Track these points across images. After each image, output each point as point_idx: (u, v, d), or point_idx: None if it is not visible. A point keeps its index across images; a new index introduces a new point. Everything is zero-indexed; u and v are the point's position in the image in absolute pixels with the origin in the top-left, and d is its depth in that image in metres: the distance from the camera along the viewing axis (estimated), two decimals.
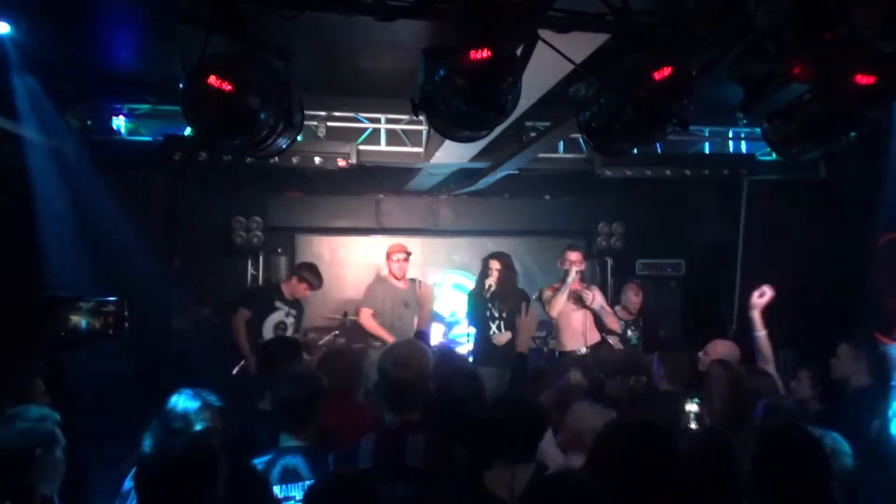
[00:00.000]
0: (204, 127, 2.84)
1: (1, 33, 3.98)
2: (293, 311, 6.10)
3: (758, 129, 3.68)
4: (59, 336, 1.93)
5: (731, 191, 6.66)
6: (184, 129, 5.37)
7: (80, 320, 1.95)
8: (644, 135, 3.13)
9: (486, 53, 2.62)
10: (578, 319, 5.58)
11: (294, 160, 5.52)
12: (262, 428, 2.82)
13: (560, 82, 3.68)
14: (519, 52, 2.92)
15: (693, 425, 3.10)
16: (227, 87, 2.62)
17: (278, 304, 6.05)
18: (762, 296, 3.95)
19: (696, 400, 3.16)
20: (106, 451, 3.05)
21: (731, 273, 6.32)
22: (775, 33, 2.94)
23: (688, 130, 4.44)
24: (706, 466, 2.33)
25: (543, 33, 2.85)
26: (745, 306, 4.08)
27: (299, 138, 3.27)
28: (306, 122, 3.81)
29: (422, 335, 3.72)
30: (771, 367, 3.90)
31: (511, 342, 5.34)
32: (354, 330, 6.44)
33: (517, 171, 6.55)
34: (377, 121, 5.88)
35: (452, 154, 5.59)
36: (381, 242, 7.45)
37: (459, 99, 2.75)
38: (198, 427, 2.73)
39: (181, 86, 2.69)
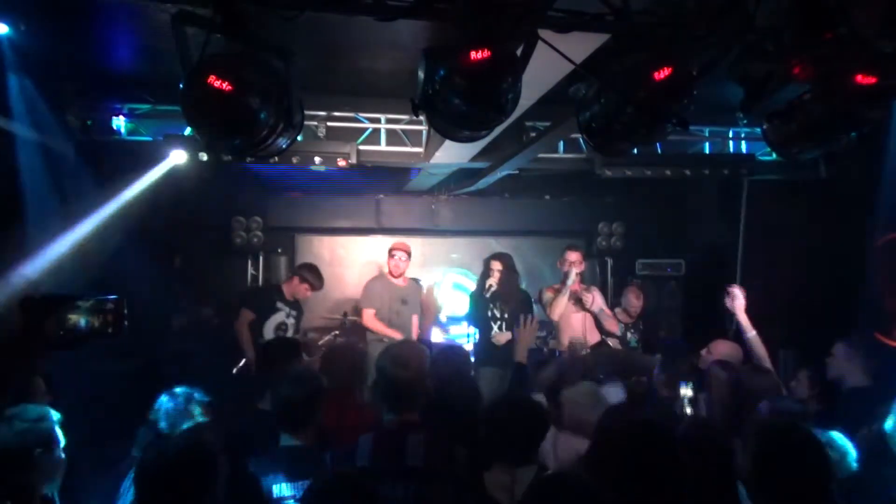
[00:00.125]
0: (204, 127, 2.84)
1: None
2: (294, 312, 6.10)
3: (758, 129, 3.68)
4: (59, 335, 1.93)
5: (731, 191, 6.66)
6: (184, 129, 5.37)
7: (79, 319, 1.94)
8: (644, 135, 3.12)
9: (486, 53, 2.62)
10: (578, 320, 5.58)
11: (294, 160, 5.51)
12: (262, 428, 2.82)
13: (560, 82, 3.68)
14: (519, 52, 2.92)
15: (688, 410, 3.10)
16: (227, 87, 2.61)
17: (279, 305, 6.04)
18: (734, 299, 3.93)
19: (691, 384, 3.16)
20: (106, 451, 3.06)
21: (731, 273, 6.31)
22: (775, 33, 2.94)
23: (688, 130, 4.44)
24: (706, 467, 2.32)
25: (543, 33, 2.85)
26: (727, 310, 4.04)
27: (299, 138, 3.27)
28: (306, 122, 3.81)
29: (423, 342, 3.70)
30: (768, 366, 3.90)
31: (512, 342, 5.34)
32: (354, 330, 6.44)
33: (517, 171, 6.55)
34: (377, 121, 5.87)
35: (452, 154, 5.59)
36: (381, 242, 7.46)
37: (459, 99, 2.75)
38: (185, 426, 2.74)
39: (181, 86, 2.69)
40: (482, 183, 6.79)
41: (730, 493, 2.34)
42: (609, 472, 2.06)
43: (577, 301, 5.58)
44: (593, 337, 5.61)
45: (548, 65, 3.12)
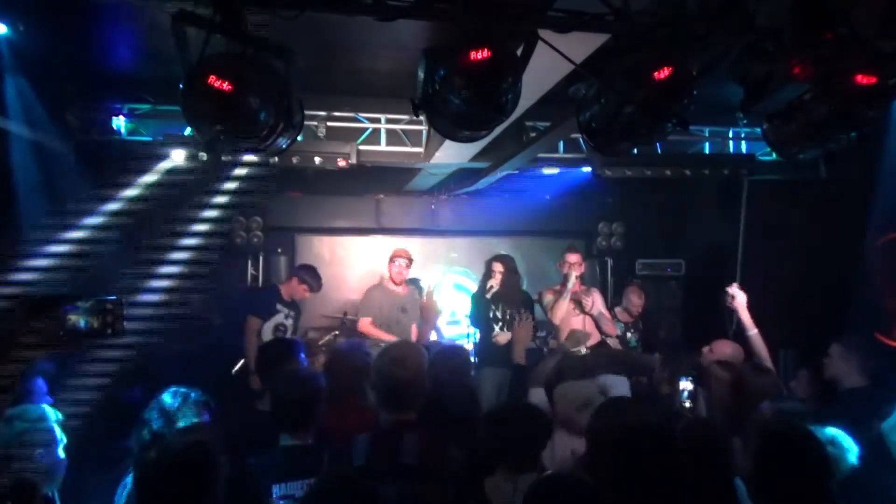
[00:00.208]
0: (204, 127, 2.84)
1: None
2: (292, 313, 6.11)
3: (758, 129, 3.68)
4: (58, 335, 1.93)
5: (731, 191, 6.66)
6: (184, 129, 5.36)
7: (78, 319, 1.94)
8: (644, 135, 3.13)
9: (486, 53, 2.62)
10: (578, 321, 5.58)
11: (294, 160, 5.52)
12: (262, 428, 2.82)
13: (560, 82, 3.68)
14: (519, 52, 2.92)
15: (687, 404, 3.10)
16: (227, 87, 2.62)
17: (279, 306, 6.04)
18: (734, 297, 3.93)
19: (690, 378, 3.16)
20: (106, 451, 3.06)
21: (731, 273, 6.31)
22: (775, 33, 2.94)
23: (688, 130, 4.44)
24: (705, 466, 2.32)
25: (543, 33, 2.85)
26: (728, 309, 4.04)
27: (299, 138, 3.27)
28: (306, 122, 3.81)
29: None
30: (769, 365, 3.89)
31: (512, 343, 5.37)
32: (354, 330, 6.43)
33: (517, 171, 6.55)
34: (377, 121, 5.87)
35: (452, 154, 5.59)
36: (381, 242, 7.46)
37: (459, 99, 2.76)
38: (180, 424, 2.74)
39: (181, 86, 2.69)
40: (482, 183, 6.79)
41: (729, 493, 2.34)
42: (608, 472, 2.06)
43: (578, 304, 5.59)
44: (593, 337, 5.61)
45: (548, 65, 3.12)
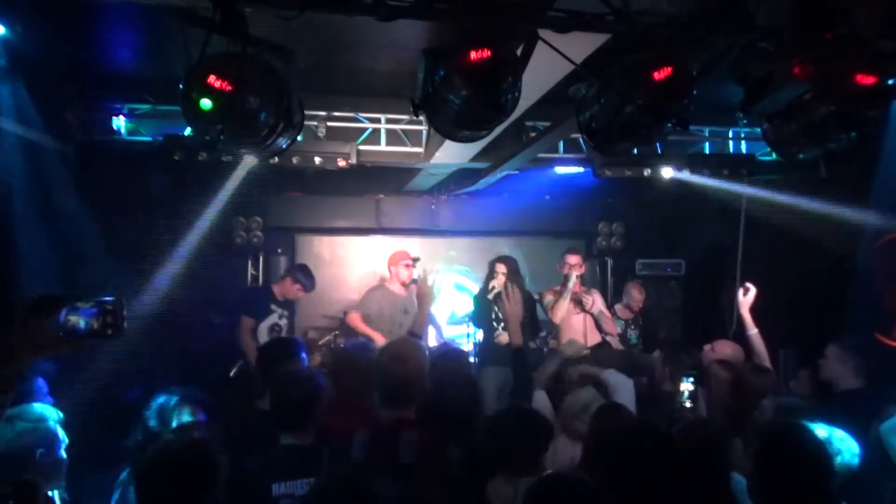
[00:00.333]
0: (203, 127, 2.84)
1: None
2: (286, 313, 6.14)
3: (758, 129, 3.68)
4: (58, 335, 1.92)
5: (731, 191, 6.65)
6: (184, 129, 5.36)
7: (78, 319, 1.93)
8: (644, 135, 3.13)
9: (486, 53, 2.62)
10: (579, 321, 5.60)
11: (294, 160, 5.51)
12: (262, 428, 2.82)
13: (560, 82, 3.68)
14: (519, 52, 2.92)
15: (688, 404, 3.11)
16: (226, 86, 2.62)
17: (273, 307, 6.06)
18: (746, 293, 3.95)
19: (691, 378, 3.16)
20: (106, 451, 3.06)
21: (731, 273, 6.31)
22: (775, 33, 2.94)
23: (688, 130, 4.44)
24: (703, 467, 2.32)
25: (543, 33, 2.85)
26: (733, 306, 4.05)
27: (299, 138, 3.27)
28: (306, 122, 3.81)
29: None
30: (767, 365, 3.90)
31: None
32: (353, 329, 6.43)
33: (517, 171, 6.55)
34: (377, 121, 5.87)
35: (452, 154, 5.59)
36: (381, 242, 7.46)
37: (460, 99, 2.76)
38: (175, 423, 2.75)
39: (181, 86, 2.69)
40: (482, 183, 6.79)
41: (728, 493, 2.34)
42: (609, 472, 2.06)
43: (578, 303, 5.60)
44: (594, 337, 5.62)
45: (548, 65, 3.13)
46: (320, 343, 6.49)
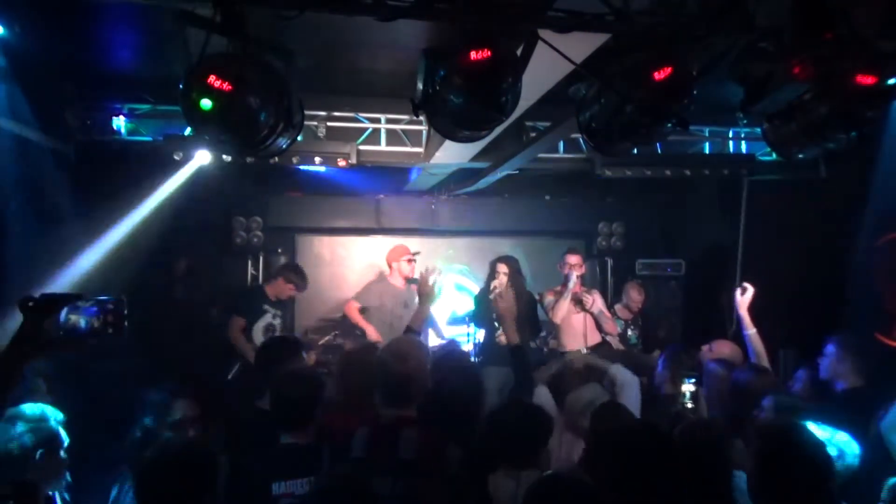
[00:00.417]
0: (204, 127, 2.84)
1: None
2: (279, 313, 6.13)
3: (758, 129, 3.68)
4: (59, 335, 1.93)
5: (731, 191, 6.66)
6: (184, 129, 5.36)
7: (79, 319, 1.94)
8: (644, 135, 3.13)
9: (486, 53, 2.62)
10: (579, 321, 5.60)
11: (294, 160, 5.52)
12: (262, 428, 2.83)
13: (560, 82, 3.68)
14: (519, 52, 2.92)
15: (689, 405, 3.11)
16: (226, 86, 2.62)
17: (266, 307, 6.05)
18: (744, 292, 3.95)
19: (693, 380, 3.17)
20: (106, 451, 3.06)
21: (731, 273, 6.32)
22: (775, 33, 2.94)
23: (688, 130, 4.44)
24: (703, 467, 2.33)
25: (543, 33, 2.85)
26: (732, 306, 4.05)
27: (299, 138, 3.27)
28: (306, 122, 3.81)
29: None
30: (766, 365, 3.90)
31: None
32: (353, 329, 6.43)
33: (517, 171, 6.55)
34: (377, 121, 5.88)
35: (452, 154, 5.59)
36: (381, 242, 7.46)
37: (459, 99, 2.76)
38: (169, 420, 2.76)
39: (181, 86, 2.69)
40: (482, 183, 6.79)
41: (728, 493, 2.34)
42: (608, 473, 2.06)
43: (578, 302, 5.60)
44: (594, 338, 5.62)
45: (548, 65, 3.13)
46: (320, 343, 6.50)
